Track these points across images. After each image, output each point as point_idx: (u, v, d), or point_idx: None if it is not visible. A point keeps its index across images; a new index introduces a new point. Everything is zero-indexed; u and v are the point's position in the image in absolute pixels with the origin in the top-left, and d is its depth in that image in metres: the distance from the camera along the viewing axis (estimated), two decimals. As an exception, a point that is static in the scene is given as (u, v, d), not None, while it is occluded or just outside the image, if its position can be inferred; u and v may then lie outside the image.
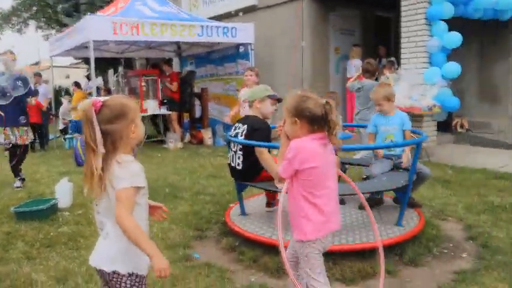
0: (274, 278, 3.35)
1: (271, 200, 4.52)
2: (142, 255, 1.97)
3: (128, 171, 1.90)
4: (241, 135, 4.09)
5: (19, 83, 6.35)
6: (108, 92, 11.76)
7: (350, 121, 10.23)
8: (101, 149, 1.89)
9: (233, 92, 10.94)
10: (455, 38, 7.80)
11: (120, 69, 12.78)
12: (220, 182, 6.45)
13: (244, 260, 3.66)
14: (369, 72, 6.50)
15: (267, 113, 4.21)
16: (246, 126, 4.12)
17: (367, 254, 3.56)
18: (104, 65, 15.16)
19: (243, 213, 4.44)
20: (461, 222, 4.52)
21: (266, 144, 3.88)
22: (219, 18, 11.94)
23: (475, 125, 9.54)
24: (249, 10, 11.88)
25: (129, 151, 1.99)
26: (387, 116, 4.57)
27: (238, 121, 4.33)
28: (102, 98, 1.97)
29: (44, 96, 10.41)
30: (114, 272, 1.96)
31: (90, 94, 11.29)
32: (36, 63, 36.56)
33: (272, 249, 3.65)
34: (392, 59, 10.28)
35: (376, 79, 6.93)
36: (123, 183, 1.88)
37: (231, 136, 4.20)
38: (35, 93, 7.03)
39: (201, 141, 10.96)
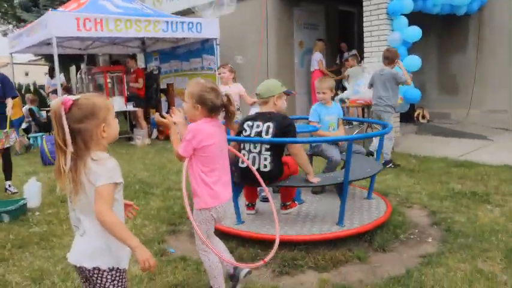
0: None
1: (288, 200, 4.20)
2: (122, 250, 2.00)
3: (105, 168, 1.92)
4: (268, 134, 3.71)
5: None
6: (67, 90, 11.40)
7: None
8: (70, 148, 1.89)
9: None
10: (415, 32, 8.06)
11: (83, 65, 12.51)
12: (191, 177, 6.45)
13: (219, 252, 3.71)
14: (388, 59, 6.62)
15: (283, 109, 3.94)
16: (271, 124, 3.73)
17: (338, 242, 3.71)
18: (66, 62, 14.81)
19: (239, 221, 4.02)
20: (425, 209, 4.72)
21: (298, 139, 3.90)
22: (182, 14, 11.85)
23: (435, 115, 9.88)
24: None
25: (104, 149, 2.00)
26: (328, 106, 4.84)
27: (250, 119, 3.88)
28: (73, 97, 1.95)
29: None
30: (94, 268, 1.97)
31: (54, 92, 11.02)
32: (-7, 60, 35.24)
33: (246, 241, 3.76)
34: (355, 52, 10.49)
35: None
36: (102, 179, 1.90)
37: (248, 136, 3.79)
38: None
39: (168, 137, 10.85)
